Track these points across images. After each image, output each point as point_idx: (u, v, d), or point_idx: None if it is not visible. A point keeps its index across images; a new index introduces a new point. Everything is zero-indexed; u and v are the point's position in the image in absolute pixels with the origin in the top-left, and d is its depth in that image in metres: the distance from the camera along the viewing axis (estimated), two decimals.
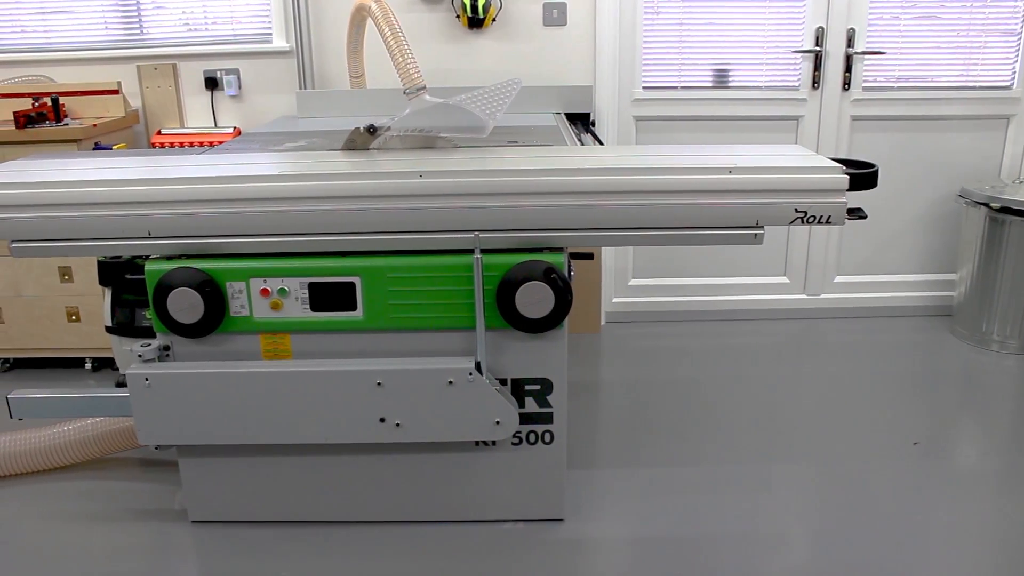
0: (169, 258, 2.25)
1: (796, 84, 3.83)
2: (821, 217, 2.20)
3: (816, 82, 3.80)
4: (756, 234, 2.21)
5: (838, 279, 4.11)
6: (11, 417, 2.40)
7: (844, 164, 2.24)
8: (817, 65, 3.78)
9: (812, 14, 3.73)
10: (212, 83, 3.75)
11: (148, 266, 2.23)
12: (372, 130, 2.52)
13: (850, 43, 3.75)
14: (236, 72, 3.74)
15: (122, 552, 2.42)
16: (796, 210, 2.18)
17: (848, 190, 2.16)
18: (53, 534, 2.51)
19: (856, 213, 2.30)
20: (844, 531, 2.43)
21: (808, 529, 2.44)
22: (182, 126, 3.80)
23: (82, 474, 2.84)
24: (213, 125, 3.80)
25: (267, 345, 2.33)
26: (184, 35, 3.79)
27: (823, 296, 4.12)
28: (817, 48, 3.76)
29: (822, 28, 3.73)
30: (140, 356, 2.33)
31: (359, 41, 3.25)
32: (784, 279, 4.12)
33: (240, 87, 3.76)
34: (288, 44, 3.71)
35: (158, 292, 2.23)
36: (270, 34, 3.75)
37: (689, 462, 2.83)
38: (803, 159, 2.26)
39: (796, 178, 2.15)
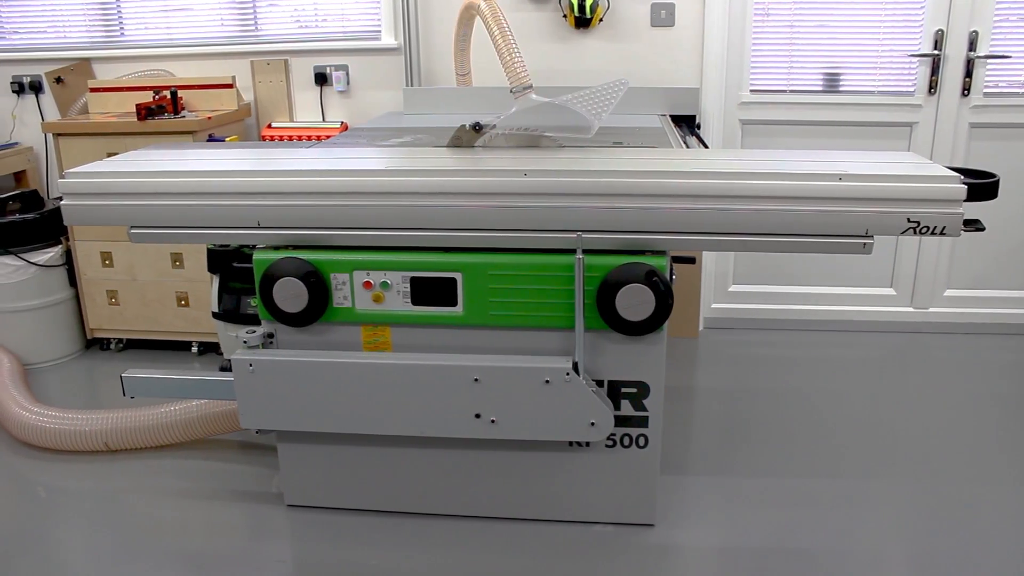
0: (276, 248, 2.31)
1: (911, 89, 3.69)
2: (935, 228, 2.11)
3: (933, 87, 3.66)
4: (865, 243, 2.14)
5: (949, 293, 3.95)
6: (124, 395, 2.50)
7: (961, 173, 2.14)
8: (935, 70, 3.64)
9: (931, 16, 3.59)
10: (321, 79, 3.84)
11: (256, 255, 2.29)
12: (478, 128, 2.54)
13: (972, 47, 3.60)
14: (345, 68, 3.82)
15: (220, 530, 2.50)
16: (908, 220, 2.10)
17: (965, 200, 2.07)
18: (156, 509, 2.61)
19: (973, 225, 2.20)
20: (943, 556, 2.33)
21: (906, 551, 2.35)
22: (291, 120, 3.90)
23: (186, 453, 2.94)
24: (321, 120, 3.90)
25: (367, 337, 2.37)
26: (296, 32, 3.89)
27: (932, 310, 3.96)
28: (936, 52, 3.62)
29: (942, 31, 3.59)
30: (245, 342, 2.40)
31: (467, 39, 3.28)
32: (890, 291, 3.97)
33: (348, 83, 3.84)
34: (396, 41, 3.77)
35: (265, 281, 2.29)
36: (379, 31, 3.82)
37: (784, 474, 2.76)
38: (917, 167, 2.18)
39: (910, 187, 2.07)
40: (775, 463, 2.82)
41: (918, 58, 3.65)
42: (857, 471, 2.77)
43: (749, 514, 2.54)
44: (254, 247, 2.36)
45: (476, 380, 2.25)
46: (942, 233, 2.11)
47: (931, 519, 2.50)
